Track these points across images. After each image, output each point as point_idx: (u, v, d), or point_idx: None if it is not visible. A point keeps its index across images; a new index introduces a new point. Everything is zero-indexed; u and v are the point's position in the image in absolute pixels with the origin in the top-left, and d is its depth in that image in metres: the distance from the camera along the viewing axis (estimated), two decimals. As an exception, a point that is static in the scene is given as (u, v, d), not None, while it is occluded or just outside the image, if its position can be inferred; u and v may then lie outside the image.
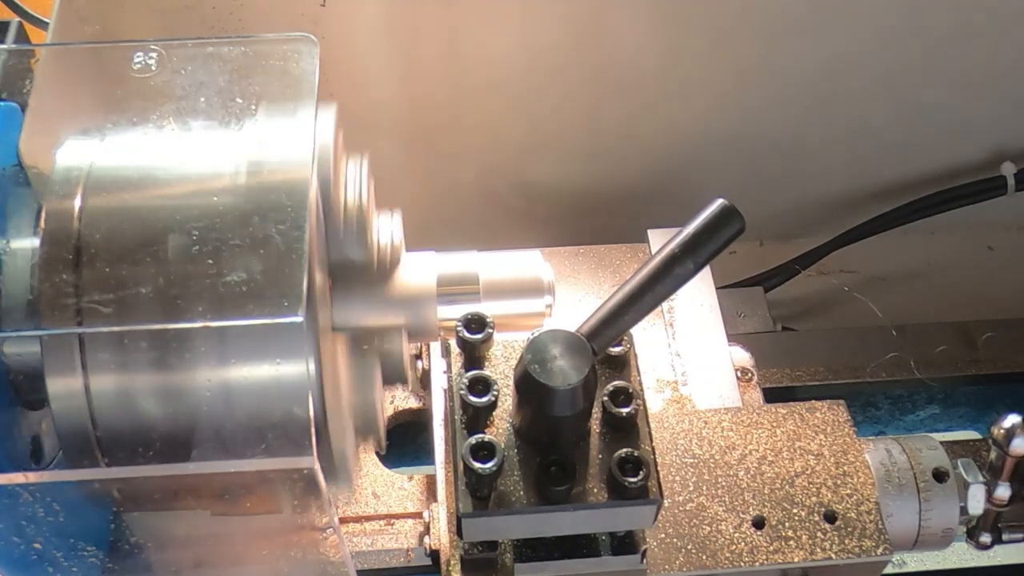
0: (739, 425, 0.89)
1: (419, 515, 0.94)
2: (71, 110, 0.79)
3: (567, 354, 0.71)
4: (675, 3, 1.21)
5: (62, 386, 0.67)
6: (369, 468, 0.96)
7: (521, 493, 0.73)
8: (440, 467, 0.88)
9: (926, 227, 1.49)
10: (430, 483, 0.95)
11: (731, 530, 0.84)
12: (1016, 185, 1.41)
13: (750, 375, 0.98)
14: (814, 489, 0.86)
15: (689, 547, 0.83)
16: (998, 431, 0.86)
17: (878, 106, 1.37)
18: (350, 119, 0.95)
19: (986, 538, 0.90)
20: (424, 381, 0.99)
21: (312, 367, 0.70)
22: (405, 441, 1.05)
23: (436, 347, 0.96)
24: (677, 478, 0.86)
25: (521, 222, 1.48)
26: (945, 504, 0.88)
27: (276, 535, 0.79)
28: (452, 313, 0.84)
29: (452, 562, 0.81)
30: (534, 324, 0.87)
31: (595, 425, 0.76)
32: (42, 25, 1.08)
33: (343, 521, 0.93)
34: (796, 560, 0.82)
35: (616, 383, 0.76)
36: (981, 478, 0.88)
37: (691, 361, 0.98)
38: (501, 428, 0.76)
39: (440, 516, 0.85)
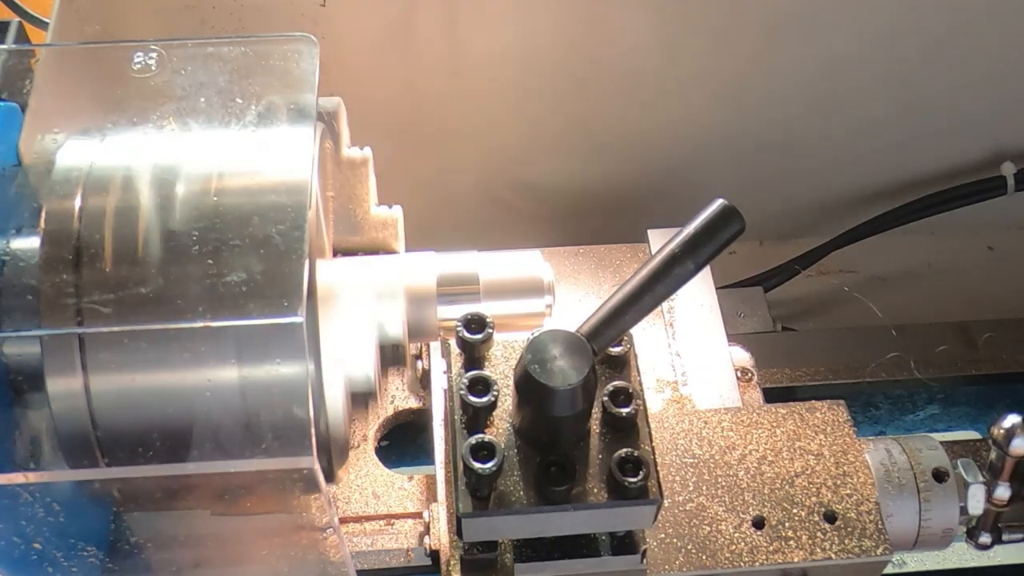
0: (739, 425, 0.89)
1: (419, 515, 0.94)
2: (71, 110, 0.79)
3: (567, 354, 0.71)
4: (675, 3, 1.21)
5: (62, 386, 0.67)
6: (369, 468, 0.96)
7: (521, 493, 0.73)
8: (440, 467, 0.88)
9: (926, 227, 1.49)
10: (430, 483, 0.95)
11: (731, 530, 0.84)
12: (1016, 185, 1.40)
13: (750, 375, 0.98)
14: (814, 489, 0.86)
15: (689, 547, 0.83)
16: (998, 431, 0.86)
17: (878, 106, 1.37)
18: (350, 119, 0.96)
19: (986, 538, 0.90)
20: (424, 381, 0.99)
21: (312, 367, 0.70)
22: (405, 441, 1.05)
23: (436, 347, 0.96)
24: (677, 478, 0.86)
25: (521, 222, 1.48)
26: (945, 504, 0.88)
27: (276, 535, 0.79)
28: (452, 313, 0.84)
29: (452, 562, 0.81)
30: (534, 324, 0.87)
31: (595, 425, 0.76)
32: (42, 25, 1.08)
33: (343, 521, 0.93)
34: (796, 560, 0.82)
35: (616, 383, 0.76)
36: (981, 478, 0.88)
37: (691, 361, 0.97)
38: (501, 428, 0.76)
39: (440, 516, 0.85)
